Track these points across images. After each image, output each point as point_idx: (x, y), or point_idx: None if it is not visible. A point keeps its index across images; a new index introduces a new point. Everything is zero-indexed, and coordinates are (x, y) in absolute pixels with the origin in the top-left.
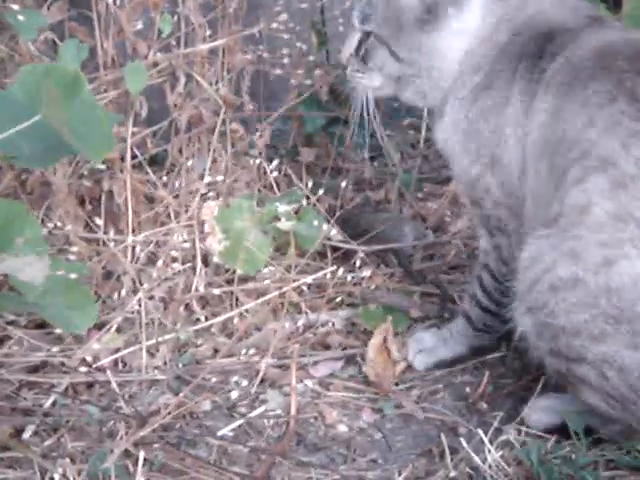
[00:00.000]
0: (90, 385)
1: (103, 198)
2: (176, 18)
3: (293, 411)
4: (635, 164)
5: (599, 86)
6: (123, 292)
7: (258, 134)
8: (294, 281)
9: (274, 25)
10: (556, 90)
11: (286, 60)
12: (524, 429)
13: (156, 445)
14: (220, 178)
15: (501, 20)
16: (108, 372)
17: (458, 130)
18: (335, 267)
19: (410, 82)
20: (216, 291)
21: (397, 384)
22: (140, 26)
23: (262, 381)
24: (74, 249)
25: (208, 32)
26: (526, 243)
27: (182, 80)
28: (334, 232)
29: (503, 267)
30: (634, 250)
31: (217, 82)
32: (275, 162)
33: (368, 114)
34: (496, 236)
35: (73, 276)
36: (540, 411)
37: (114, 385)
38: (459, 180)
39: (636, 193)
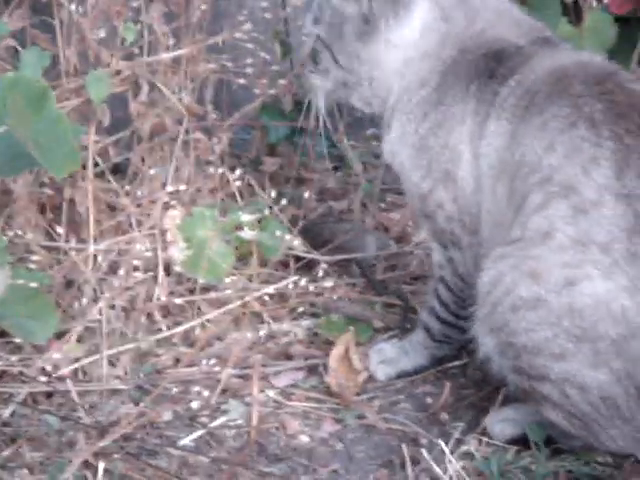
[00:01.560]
0: (50, 395)
1: (64, 206)
2: (139, 26)
3: (254, 421)
4: (596, 190)
5: (557, 110)
6: (84, 301)
7: (216, 140)
8: (256, 291)
9: (238, 34)
10: (511, 114)
11: (250, 69)
12: (485, 440)
13: (116, 455)
14: (183, 187)
15: (446, 36)
16: (68, 382)
17: (407, 145)
18: (297, 277)
19: (354, 89)
20: (178, 300)
21: (359, 394)
22: (103, 34)
23: (223, 391)
24: (35, 258)
25: (171, 41)
26: (484, 268)
27: (145, 89)
28: (297, 242)
29: (459, 281)
30: (596, 271)
31: (180, 91)
32: (238, 171)
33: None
34: (450, 250)
35: (33, 285)
36: (503, 422)
37: (74, 395)
38: (409, 194)
39: (597, 218)
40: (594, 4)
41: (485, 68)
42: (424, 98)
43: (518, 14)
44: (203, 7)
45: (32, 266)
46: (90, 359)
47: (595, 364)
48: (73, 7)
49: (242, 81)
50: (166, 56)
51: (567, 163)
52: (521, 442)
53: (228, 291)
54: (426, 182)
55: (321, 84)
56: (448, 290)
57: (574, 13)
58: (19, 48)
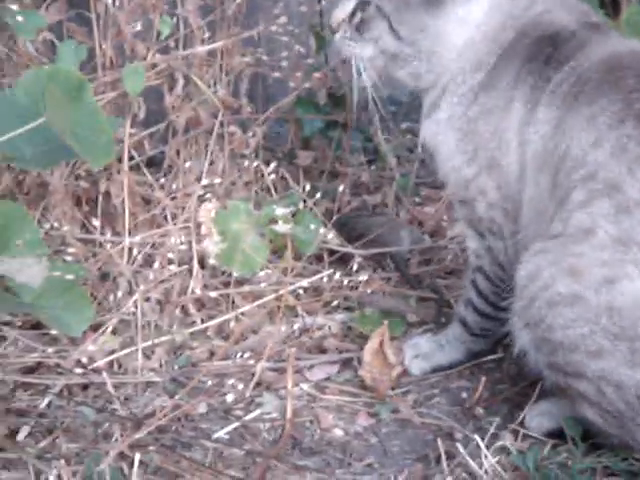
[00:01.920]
0: (85, 387)
1: (100, 199)
2: (175, 20)
3: (289, 414)
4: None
5: (607, 104)
6: (119, 294)
7: (251, 134)
8: (291, 284)
9: (273, 28)
10: (561, 101)
11: (284, 63)
12: (521, 434)
13: (151, 447)
14: (217, 180)
15: (508, 17)
16: (104, 374)
17: (454, 127)
18: (332, 271)
19: (407, 61)
20: (212, 294)
21: (393, 389)
22: (139, 28)
23: (258, 384)
24: (71, 250)
25: (207, 34)
26: (522, 261)
27: (180, 82)
28: (331, 236)
29: (499, 270)
30: (636, 271)
31: (215, 84)
32: (272, 165)
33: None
34: (488, 239)
35: (70, 277)
36: (540, 416)
37: (109, 387)
38: (447, 178)
39: (639, 218)
40: None
41: (540, 53)
42: (479, 82)
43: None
44: (238, 0)
45: (68, 258)
46: (125, 351)
47: (632, 363)
48: (109, 0)
49: (277, 74)
50: (201, 49)
51: (612, 161)
52: (559, 436)
53: (262, 284)
54: (471, 168)
55: (360, 53)
56: (486, 279)
57: (612, 6)
58: (56, 41)
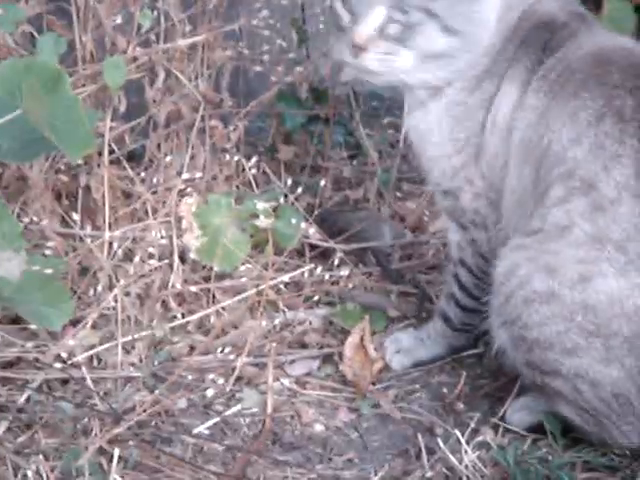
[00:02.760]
0: (65, 382)
1: (80, 193)
2: (156, 13)
3: (269, 410)
4: (615, 187)
5: (590, 99)
6: (99, 288)
7: (232, 128)
8: (271, 279)
9: (254, 21)
10: (548, 88)
11: (266, 57)
12: (501, 429)
13: (131, 443)
14: (198, 174)
15: (512, 1)
16: (83, 369)
17: (450, 114)
18: (313, 265)
19: (454, 57)
20: (193, 288)
21: (374, 383)
22: (119, 21)
23: (238, 379)
24: (50, 244)
25: (188, 28)
26: (500, 257)
27: (161, 75)
28: (312, 230)
29: (481, 262)
30: (611, 269)
31: (196, 78)
32: (254, 159)
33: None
34: (471, 230)
35: (49, 272)
36: (521, 410)
37: (89, 382)
38: (432, 168)
39: (614, 216)
40: None
41: (538, 37)
42: (484, 67)
43: None
44: None
45: (47, 252)
46: (105, 346)
47: (607, 360)
48: None
49: (258, 68)
50: (182, 43)
51: (590, 158)
52: (540, 430)
53: (243, 279)
54: (460, 156)
55: (403, 65)
56: (469, 272)
57: (593, 1)
58: (35, 34)
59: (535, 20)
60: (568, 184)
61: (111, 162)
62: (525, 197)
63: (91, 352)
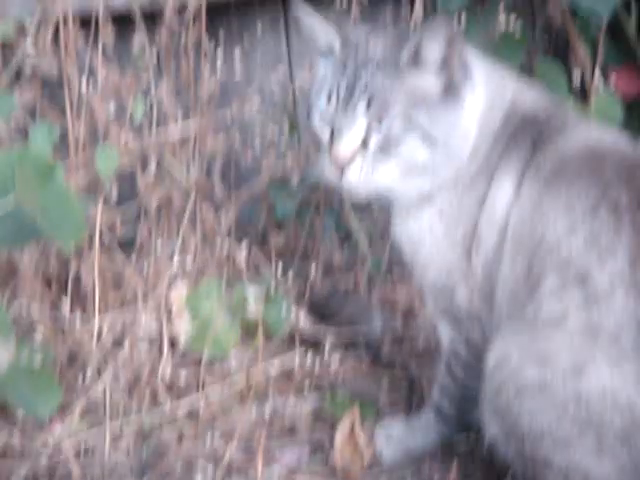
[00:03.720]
0: (52, 471)
1: (70, 279)
2: (149, 102)
3: None
4: (609, 279)
5: (585, 190)
6: (88, 375)
7: (223, 214)
8: (261, 366)
9: (246, 110)
10: (542, 182)
11: (258, 145)
12: None
13: None
14: (189, 261)
15: (493, 103)
16: (70, 457)
17: (445, 215)
18: (303, 352)
19: (436, 168)
20: (182, 375)
21: (364, 473)
22: (112, 109)
23: (228, 467)
24: (39, 332)
25: (180, 116)
26: (492, 345)
27: (153, 163)
28: (302, 317)
29: (475, 354)
30: (604, 361)
31: (188, 165)
32: (244, 246)
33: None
34: (465, 326)
35: (38, 360)
36: None
37: (76, 472)
38: (427, 270)
39: (608, 308)
40: (601, 84)
41: (526, 133)
42: (476, 167)
43: (529, 83)
44: (212, 83)
45: (37, 339)
46: (93, 434)
47: (599, 453)
48: (84, 82)
49: (250, 157)
50: (175, 131)
51: (585, 249)
52: None
53: (233, 366)
54: (455, 253)
55: (384, 177)
56: (463, 365)
57: (581, 94)
58: (28, 124)
59: (520, 117)
60: (563, 274)
61: (102, 248)
62: (518, 287)
63: (79, 440)
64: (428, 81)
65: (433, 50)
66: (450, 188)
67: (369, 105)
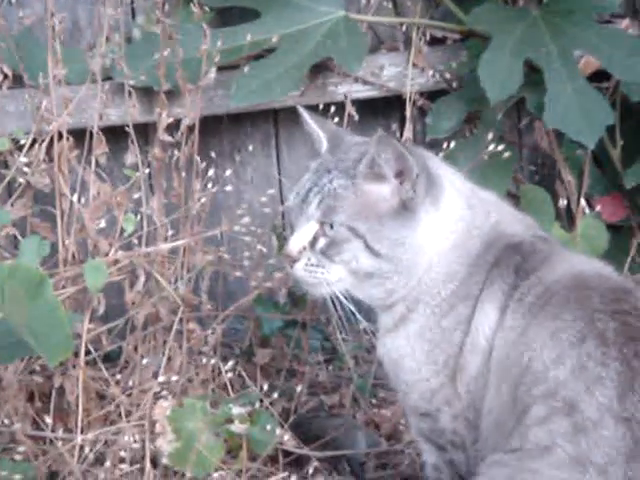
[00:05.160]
0: None
1: (54, 394)
2: (139, 217)
3: None
4: (597, 409)
5: (571, 321)
6: None
7: (210, 331)
8: None
9: (236, 227)
10: (527, 310)
11: (246, 262)
12: None
13: None
14: (174, 377)
15: (472, 226)
16: None
17: (425, 339)
18: (287, 474)
19: (384, 278)
20: None
21: None
22: (103, 224)
23: None
24: (20, 448)
25: (170, 232)
26: (478, 474)
27: (142, 278)
28: (287, 437)
29: None
30: None
31: (176, 281)
32: (230, 362)
33: (342, 309)
34: (449, 451)
35: (18, 477)
36: None
37: None
38: (410, 392)
39: (596, 439)
40: (586, 211)
41: (509, 260)
42: (452, 291)
43: (513, 209)
44: (202, 200)
45: (17, 456)
46: None
47: None
48: (75, 197)
49: (238, 273)
50: (164, 247)
51: (572, 379)
52: None
53: None
54: (438, 377)
55: (330, 278)
56: None
57: (567, 218)
58: (19, 237)
59: (504, 243)
60: (549, 403)
61: (87, 363)
62: (504, 417)
63: None
64: (380, 194)
65: (386, 165)
66: (424, 310)
67: (319, 208)
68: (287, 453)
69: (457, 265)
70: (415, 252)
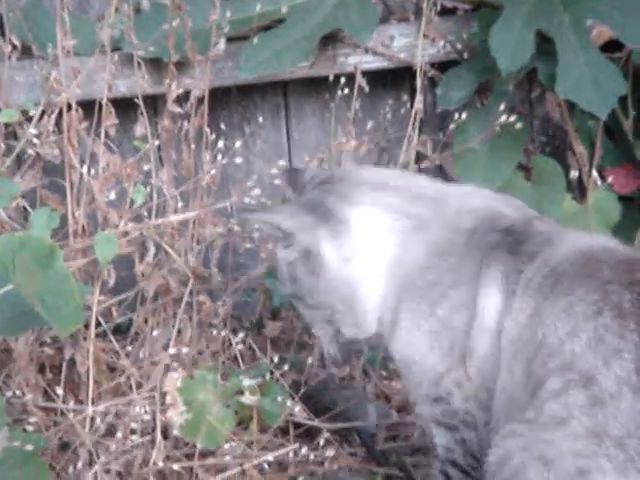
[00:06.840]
0: None
1: (64, 366)
2: (149, 189)
3: None
4: (615, 382)
5: (584, 294)
6: (79, 464)
7: (220, 303)
8: (255, 458)
9: (246, 199)
10: (535, 292)
11: (256, 234)
12: None
13: None
14: (185, 349)
15: (420, 228)
16: None
17: (423, 330)
18: (297, 445)
19: (340, 319)
20: (175, 466)
21: None
22: (113, 196)
23: None
24: (32, 419)
25: (180, 204)
26: (493, 445)
27: (152, 250)
28: (298, 408)
29: (472, 461)
30: (609, 465)
31: (186, 253)
32: (240, 335)
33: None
34: (460, 430)
35: (29, 448)
36: None
37: None
38: (421, 381)
39: (614, 411)
40: (598, 182)
41: (503, 243)
42: (434, 283)
43: (495, 194)
44: (212, 172)
45: (29, 427)
46: None
47: None
48: (85, 169)
49: (248, 245)
50: (174, 218)
51: (589, 352)
52: None
53: (227, 457)
54: (445, 362)
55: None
56: (461, 472)
57: (578, 190)
58: (29, 208)
59: (490, 227)
60: (565, 376)
61: (97, 335)
62: (517, 393)
63: None
64: (285, 254)
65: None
66: (411, 302)
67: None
68: (298, 425)
69: (426, 256)
70: (348, 286)
